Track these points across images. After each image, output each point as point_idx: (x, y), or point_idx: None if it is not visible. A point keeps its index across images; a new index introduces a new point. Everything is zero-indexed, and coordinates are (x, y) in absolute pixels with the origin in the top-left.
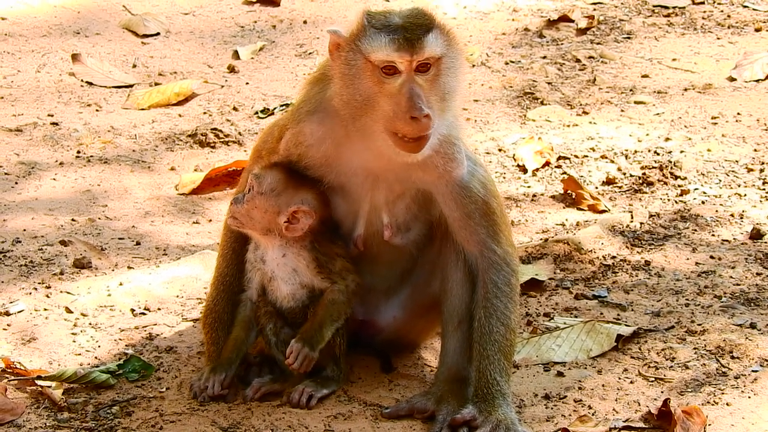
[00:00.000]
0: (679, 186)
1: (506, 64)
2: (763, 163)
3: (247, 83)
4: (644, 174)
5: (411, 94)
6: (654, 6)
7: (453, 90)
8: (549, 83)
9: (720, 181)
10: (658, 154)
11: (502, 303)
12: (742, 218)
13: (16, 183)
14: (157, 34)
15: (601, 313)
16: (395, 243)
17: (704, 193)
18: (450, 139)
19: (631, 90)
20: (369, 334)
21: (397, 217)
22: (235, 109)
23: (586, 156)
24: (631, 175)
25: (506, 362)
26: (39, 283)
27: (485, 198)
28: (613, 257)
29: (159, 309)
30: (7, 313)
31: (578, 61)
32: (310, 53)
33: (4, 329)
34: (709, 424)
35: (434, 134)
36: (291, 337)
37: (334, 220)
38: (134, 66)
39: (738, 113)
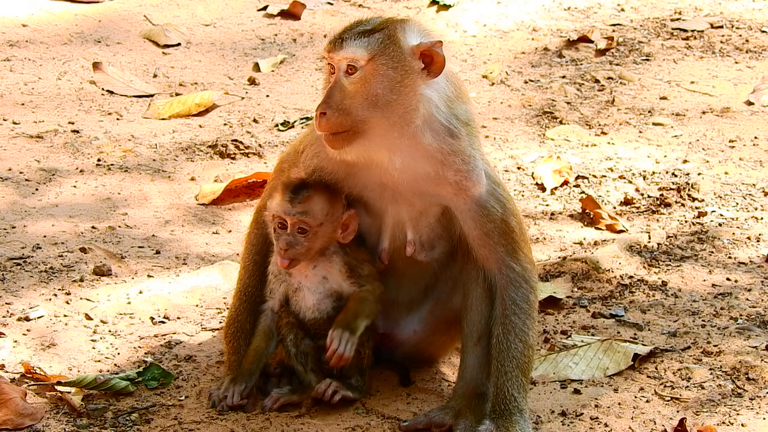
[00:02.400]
0: (696, 208)
1: (525, 83)
2: None
3: (267, 96)
4: (662, 195)
5: (326, 90)
6: (673, 29)
7: (383, 99)
8: (568, 103)
9: (737, 203)
10: (675, 176)
11: (521, 320)
12: (758, 241)
13: (37, 189)
14: (178, 44)
15: (618, 332)
16: (419, 259)
17: (721, 215)
18: (464, 155)
19: (649, 112)
20: (389, 348)
21: (421, 234)
22: (255, 121)
23: (605, 176)
24: (648, 196)
25: (524, 378)
26: (59, 290)
27: (503, 217)
28: (631, 277)
29: (178, 318)
30: (27, 319)
31: (597, 81)
32: None
33: (24, 334)
34: None
35: (359, 136)
36: (312, 348)
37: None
38: (155, 76)
39: (755, 137)
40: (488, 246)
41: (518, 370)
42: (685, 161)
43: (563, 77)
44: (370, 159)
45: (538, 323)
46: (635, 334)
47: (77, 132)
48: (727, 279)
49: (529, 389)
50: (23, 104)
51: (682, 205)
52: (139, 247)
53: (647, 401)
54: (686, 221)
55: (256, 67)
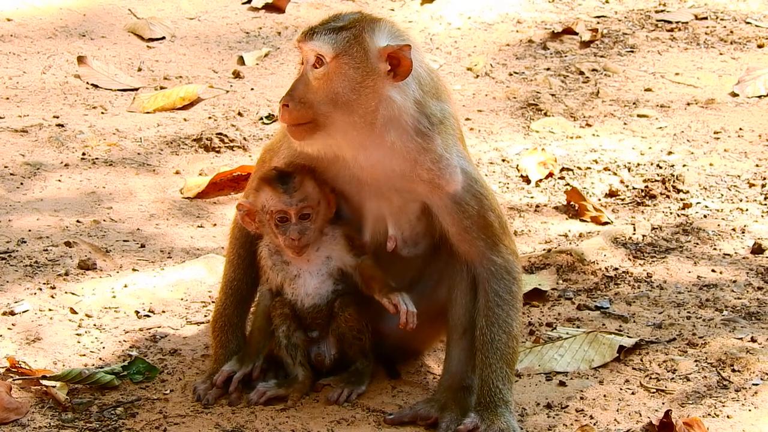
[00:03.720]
0: (681, 199)
1: (510, 75)
2: (764, 178)
3: (252, 89)
4: (647, 187)
5: (293, 82)
6: (657, 20)
7: (343, 98)
8: (552, 95)
9: (722, 195)
10: (660, 168)
11: (504, 311)
12: (743, 233)
13: (22, 183)
14: (163, 38)
15: (603, 324)
16: (402, 254)
17: (706, 207)
18: (435, 155)
19: (634, 103)
20: (374, 341)
21: (402, 230)
22: (240, 114)
23: (589, 168)
24: (633, 188)
25: (509, 370)
26: (44, 284)
27: (480, 212)
28: (616, 269)
29: (163, 312)
30: (12, 313)
31: (582, 73)
32: None
33: (9, 329)
34: None
35: (320, 129)
36: (302, 342)
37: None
38: (139, 69)
39: (740, 128)
40: (468, 241)
41: (502, 362)
42: (669, 153)
43: (548, 69)
44: (335, 154)
45: (522, 314)
46: (620, 326)
47: (62, 126)
48: (713, 271)
49: (515, 381)
50: (8, 98)
51: (667, 196)
52: (124, 240)
53: (633, 393)
54: (671, 213)
55: (241, 61)
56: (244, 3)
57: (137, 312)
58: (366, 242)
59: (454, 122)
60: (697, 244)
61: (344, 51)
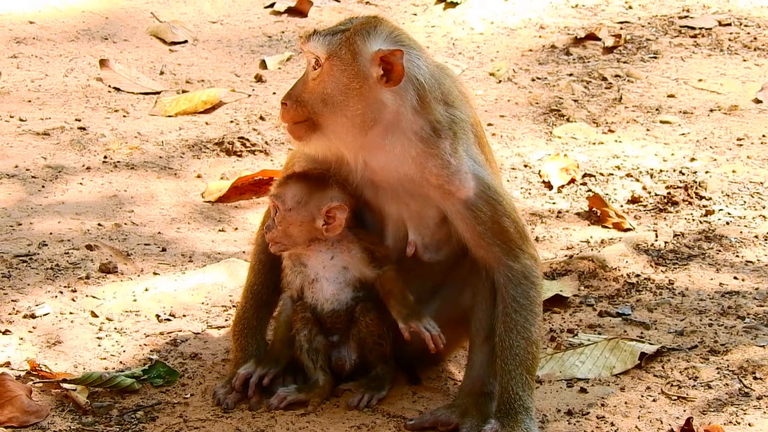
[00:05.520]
0: (703, 206)
1: (533, 80)
2: None
3: (274, 93)
4: (669, 193)
5: (295, 82)
6: (681, 26)
7: (333, 99)
8: (575, 101)
9: (745, 202)
10: (683, 174)
11: (522, 317)
12: (766, 240)
13: (43, 186)
14: (185, 41)
15: (625, 331)
16: (425, 259)
17: (729, 214)
18: (441, 160)
19: (657, 109)
20: (395, 346)
21: (423, 236)
22: (261, 118)
23: (612, 174)
24: (656, 194)
25: (528, 376)
26: (65, 287)
27: (494, 218)
28: (638, 275)
29: (184, 315)
30: (33, 316)
31: (604, 79)
32: None
33: (29, 332)
34: None
35: (316, 129)
36: (324, 346)
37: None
38: (161, 73)
39: (763, 135)
40: (483, 247)
41: (522, 368)
42: (692, 159)
43: (570, 75)
44: (338, 156)
45: (541, 320)
46: (642, 332)
47: (84, 129)
48: (735, 278)
49: (535, 387)
50: (30, 101)
51: (690, 203)
52: (145, 244)
53: (654, 400)
54: (693, 220)
55: (263, 65)
56: (266, 7)
57: (158, 316)
58: (388, 247)
59: (466, 127)
60: (720, 251)
61: (335, 53)
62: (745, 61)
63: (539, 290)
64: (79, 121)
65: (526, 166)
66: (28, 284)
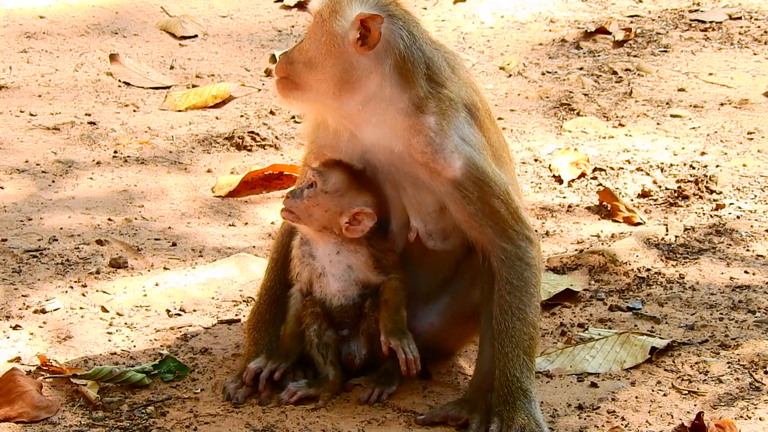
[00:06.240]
0: (714, 200)
1: (543, 74)
2: None
3: None
4: (680, 187)
5: None
6: (691, 20)
7: (312, 57)
8: (585, 95)
9: (755, 196)
10: (693, 168)
11: (516, 298)
12: None
13: (53, 181)
14: (195, 36)
15: (636, 325)
16: (430, 247)
17: (739, 207)
18: (426, 136)
19: (667, 103)
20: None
21: (425, 222)
22: (271, 113)
23: (622, 168)
24: (666, 188)
25: (526, 358)
26: (75, 282)
27: (483, 198)
28: (648, 270)
29: (194, 310)
30: (44, 311)
31: (615, 73)
32: None
33: (40, 327)
34: None
35: (298, 88)
36: (333, 340)
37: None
38: (171, 67)
39: None
40: (476, 228)
41: (519, 350)
42: (703, 153)
43: (581, 69)
44: (323, 122)
45: (538, 301)
46: (652, 327)
47: (94, 124)
48: (745, 272)
49: (535, 369)
50: (40, 96)
51: (700, 197)
52: (156, 239)
53: (664, 395)
54: (704, 214)
55: (273, 59)
56: (276, 1)
57: (168, 311)
58: (392, 232)
59: (456, 107)
60: (730, 245)
61: (321, 11)
62: (755, 54)
63: (534, 271)
64: (89, 115)
65: (536, 160)
66: (39, 279)
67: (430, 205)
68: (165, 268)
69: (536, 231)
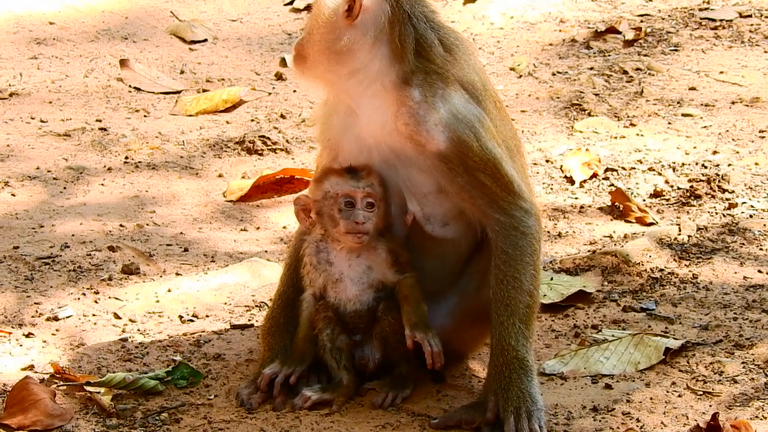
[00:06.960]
0: (726, 199)
1: (553, 74)
2: None
3: (294, 91)
4: (692, 187)
5: None
6: (701, 19)
7: (311, 29)
8: (596, 95)
9: None
10: (705, 167)
11: (512, 267)
12: None
13: (65, 188)
14: (205, 40)
15: (649, 326)
16: (428, 232)
17: (752, 206)
18: (410, 108)
19: (678, 102)
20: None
21: (423, 206)
22: (282, 116)
23: (634, 168)
24: (678, 188)
25: (522, 326)
26: (87, 289)
27: (468, 171)
28: (661, 270)
29: (207, 316)
30: (56, 318)
31: (625, 72)
32: None
33: (53, 334)
34: None
35: (305, 60)
36: (347, 345)
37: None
38: (182, 72)
39: None
40: (468, 200)
41: (514, 318)
42: (714, 152)
43: (591, 69)
44: (328, 96)
45: (535, 269)
46: (666, 327)
47: (105, 130)
48: (759, 271)
49: (533, 339)
50: (50, 102)
51: (713, 196)
52: (168, 245)
53: (679, 396)
54: (717, 213)
55: (283, 63)
56: (286, 4)
57: (181, 317)
58: (391, 215)
59: (446, 81)
60: (743, 244)
61: None
62: (766, 52)
63: (531, 240)
64: (100, 121)
65: (547, 161)
66: (51, 286)
67: (425, 186)
68: (177, 274)
69: (547, 231)
